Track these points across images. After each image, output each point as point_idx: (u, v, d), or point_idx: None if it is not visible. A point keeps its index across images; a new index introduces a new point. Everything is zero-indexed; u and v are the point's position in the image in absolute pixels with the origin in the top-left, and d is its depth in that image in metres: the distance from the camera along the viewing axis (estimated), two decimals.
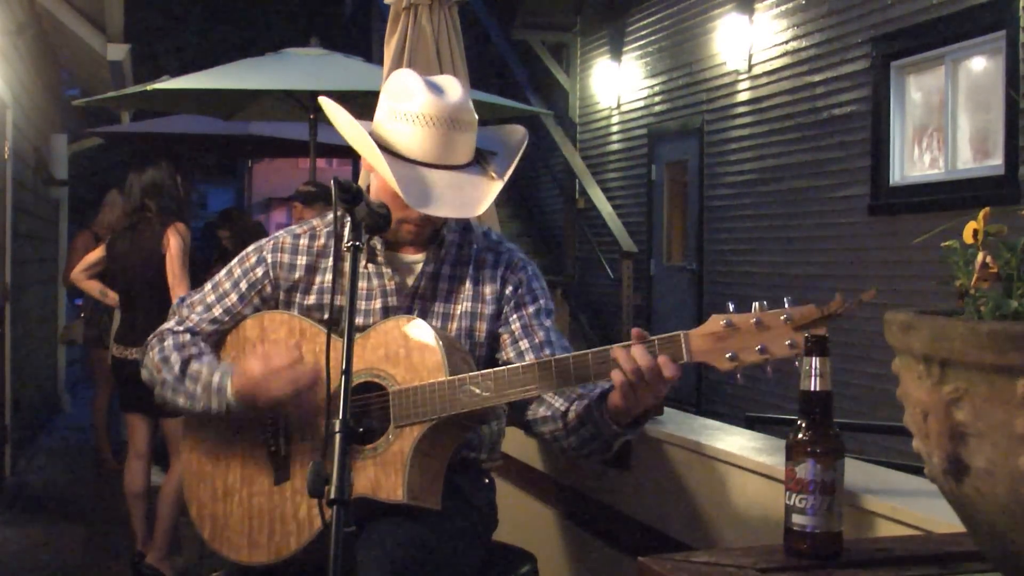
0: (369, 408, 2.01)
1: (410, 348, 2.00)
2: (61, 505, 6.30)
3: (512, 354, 2.16)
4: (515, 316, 2.19)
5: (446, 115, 2.05)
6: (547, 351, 2.14)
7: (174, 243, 4.59)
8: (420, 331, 2.01)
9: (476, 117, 2.12)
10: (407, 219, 2.11)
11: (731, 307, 1.84)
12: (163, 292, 4.58)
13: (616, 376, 1.86)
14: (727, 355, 1.82)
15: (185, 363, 2.12)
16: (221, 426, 2.15)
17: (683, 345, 1.84)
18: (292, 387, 2.00)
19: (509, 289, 2.20)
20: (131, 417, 4.82)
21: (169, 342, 2.17)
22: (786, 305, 1.80)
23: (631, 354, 1.85)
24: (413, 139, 2.05)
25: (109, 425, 7.31)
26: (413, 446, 1.95)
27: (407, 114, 2.06)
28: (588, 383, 1.96)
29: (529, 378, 1.93)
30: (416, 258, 2.20)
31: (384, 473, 1.96)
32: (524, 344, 2.16)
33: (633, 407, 1.91)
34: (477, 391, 1.94)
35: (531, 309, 2.20)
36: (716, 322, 1.83)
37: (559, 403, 2.08)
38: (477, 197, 2.06)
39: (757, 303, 1.82)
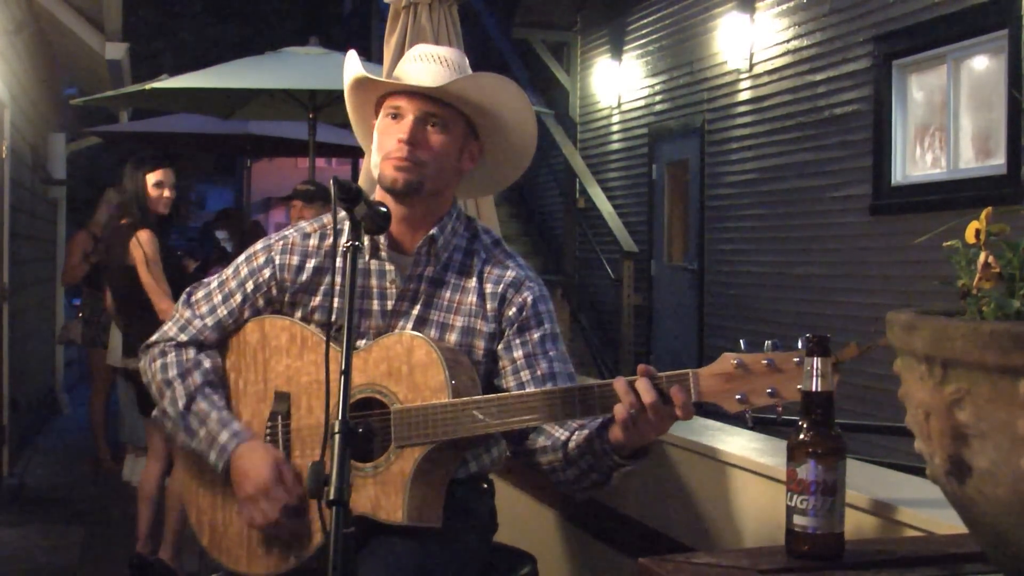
0: (371, 425, 1.98)
1: (413, 366, 1.97)
2: (59, 506, 6.29)
3: (513, 384, 2.09)
4: (518, 342, 2.10)
5: (426, 49, 2.15)
6: (549, 384, 2.06)
7: (138, 255, 4.50)
8: (423, 348, 1.97)
9: (462, 62, 2.15)
10: (388, 153, 2.06)
11: (743, 345, 1.81)
12: (147, 301, 4.53)
13: (618, 410, 1.82)
14: (736, 396, 1.78)
15: (191, 398, 2.08)
16: None
17: (691, 384, 1.81)
18: (268, 520, 1.98)
19: (512, 311, 2.11)
20: (147, 421, 4.82)
21: (171, 359, 2.12)
22: (799, 346, 1.76)
23: (636, 387, 1.81)
24: (399, 68, 2.16)
25: (107, 425, 7.31)
26: (414, 467, 1.92)
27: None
28: (593, 415, 1.92)
29: (533, 407, 1.90)
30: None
31: (384, 493, 1.93)
32: (525, 375, 2.08)
33: (634, 441, 1.86)
34: (480, 416, 1.91)
35: (536, 335, 2.11)
36: (727, 361, 1.80)
37: (560, 433, 2.03)
38: (431, 80, 2.06)
39: (769, 342, 1.79)
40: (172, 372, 2.11)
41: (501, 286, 2.13)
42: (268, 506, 1.97)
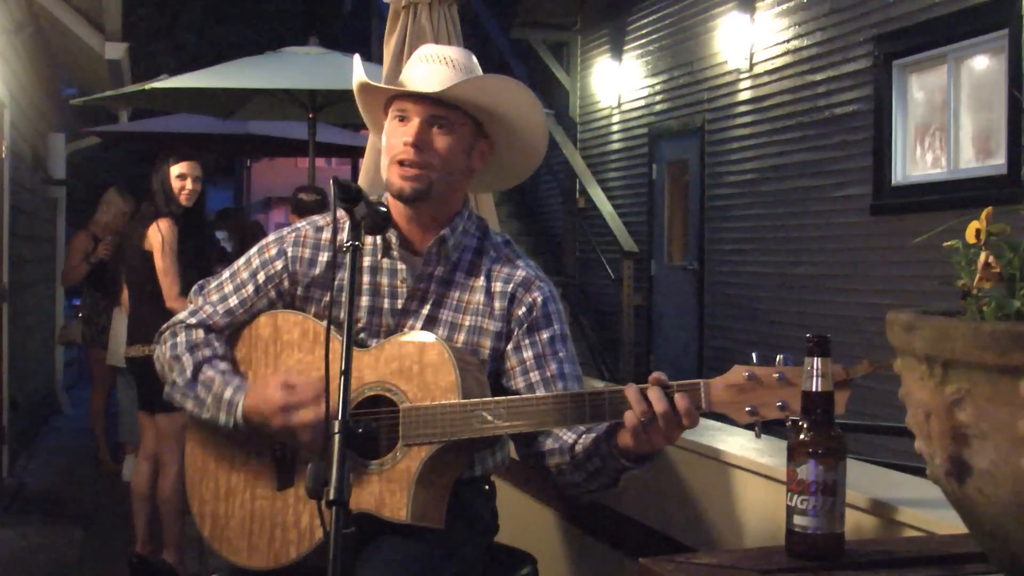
0: (379, 423, 1.98)
1: (424, 365, 1.97)
2: (59, 506, 6.29)
3: (522, 385, 2.09)
4: (527, 342, 2.10)
5: (433, 50, 2.14)
6: (559, 385, 2.07)
7: (155, 241, 4.61)
8: (435, 348, 1.97)
9: (468, 63, 2.13)
10: (395, 156, 2.06)
11: (754, 357, 1.80)
12: (158, 289, 4.61)
13: (628, 417, 1.82)
14: (747, 408, 1.78)
15: (197, 367, 2.09)
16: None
17: (702, 394, 1.81)
18: (311, 425, 1.97)
19: (522, 310, 2.11)
20: (142, 416, 4.84)
21: (181, 338, 2.14)
22: None
23: (648, 395, 1.81)
24: (405, 70, 2.15)
25: (106, 426, 7.30)
26: (420, 466, 1.92)
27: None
28: (603, 421, 1.91)
29: (542, 411, 1.90)
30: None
31: (389, 491, 1.93)
32: (535, 376, 2.08)
33: (643, 448, 1.86)
34: (489, 418, 1.91)
35: (545, 336, 2.11)
36: (739, 373, 1.80)
37: (567, 435, 2.03)
38: (435, 82, 2.05)
39: (781, 356, 1.79)
40: (181, 348, 2.13)
41: (511, 285, 2.13)
42: (300, 423, 1.96)
